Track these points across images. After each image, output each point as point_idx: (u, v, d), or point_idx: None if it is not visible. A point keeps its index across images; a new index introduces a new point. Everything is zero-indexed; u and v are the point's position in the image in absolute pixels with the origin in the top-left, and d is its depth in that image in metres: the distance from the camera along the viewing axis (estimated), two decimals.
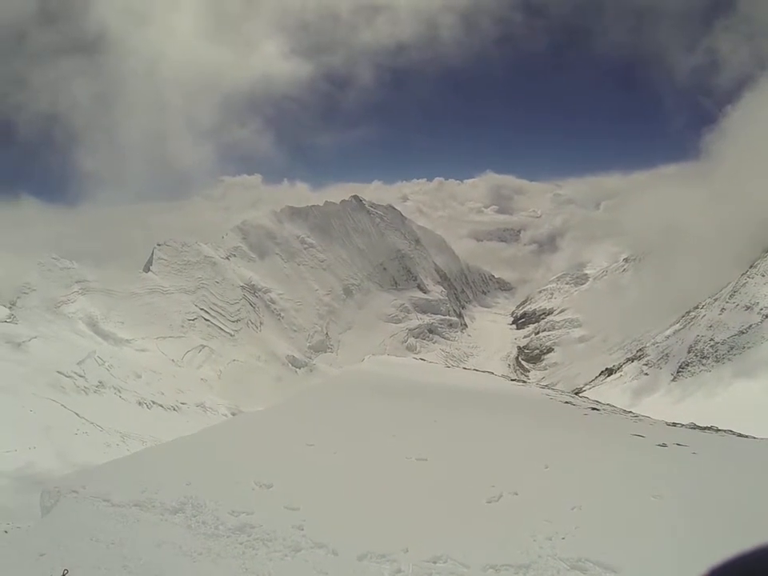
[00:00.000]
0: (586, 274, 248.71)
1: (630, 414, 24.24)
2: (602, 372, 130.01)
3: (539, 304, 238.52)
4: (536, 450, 12.60)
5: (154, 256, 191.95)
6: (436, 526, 8.05)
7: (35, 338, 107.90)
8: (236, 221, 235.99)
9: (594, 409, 24.26)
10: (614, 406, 28.15)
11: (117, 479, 9.78)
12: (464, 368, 52.15)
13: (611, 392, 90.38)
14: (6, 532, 32.88)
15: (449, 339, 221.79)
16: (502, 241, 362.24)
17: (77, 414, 75.30)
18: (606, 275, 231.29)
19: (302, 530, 7.67)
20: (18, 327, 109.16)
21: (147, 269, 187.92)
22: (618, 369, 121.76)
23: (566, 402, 26.14)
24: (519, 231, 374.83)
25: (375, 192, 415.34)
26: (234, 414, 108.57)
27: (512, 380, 41.74)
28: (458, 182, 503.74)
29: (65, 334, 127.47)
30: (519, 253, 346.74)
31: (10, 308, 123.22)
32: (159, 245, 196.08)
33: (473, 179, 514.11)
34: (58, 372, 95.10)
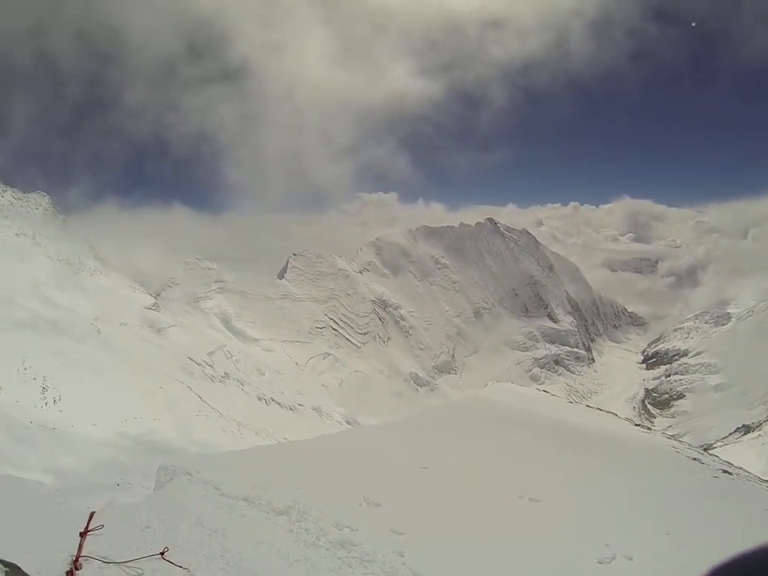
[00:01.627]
0: (729, 313, 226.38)
1: (767, 485, 22.19)
2: (738, 429, 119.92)
3: (673, 343, 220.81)
4: (657, 510, 11.66)
5: (289, 264, 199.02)
6: None
7: (174, 326, 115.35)
8: (371, 237, 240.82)
9: (725, 471, 22.05)
10: (748, 472, 25.48)
11: (230, 470, 9.93)
12: (587, 405, 50.40)
13: (746, 453, 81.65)
14: (117, 485, 34.85)
15: (574, 373, 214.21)
16: (638, 272, 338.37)
17: (200, 398, 79.35)
18: (751, 315, 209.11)
19: (403, 556, 7.38)
20: (161, 315, 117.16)
21: (282, 276, 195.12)
22: (758, 427, 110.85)
23: (694, 459, 24.18)
24: (656, 262, 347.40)
25: (510, 215, 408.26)
26: (348, 423, 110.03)
27: (636, 425, 39.77)
28: (593, 207, 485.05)
29: (200, 327, 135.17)
30: (655, 285, 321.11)
31: (155, 298, 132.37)
32: (295, 254, 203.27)
33: (609, 204, 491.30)
34: (190, 359, 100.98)
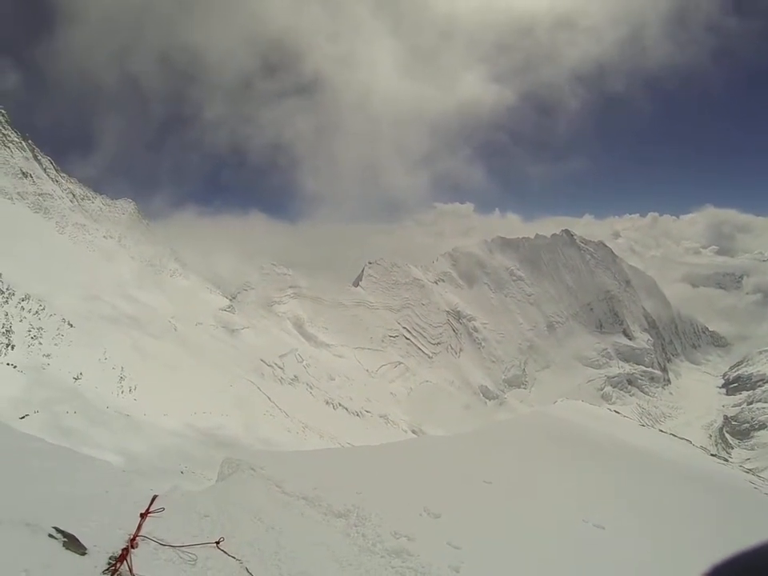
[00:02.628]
0: None
1: None
2: None
3: (758, 368, 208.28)
4: (729, 550, 10.92)
5: (364, 272, 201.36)
6: None
7: (248, 328, 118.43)
8: (447, 247, 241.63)
9: None
10: None
11: (293, 469, 10.10)
12: (660, 430, 48.83)
13: None
14: (181, 472, 35.09)
15: (648, 394, 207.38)
16: (721, 287, 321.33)
17: (269, 398, 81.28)
18: None
19: (458, 572, 7.25)
20: (235, 317, 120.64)
21: (357, 283, 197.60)
22: None
23: None
24: (741, 277, 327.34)
25: (586, 227, 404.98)
26: (414, 432, 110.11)
27: (711, 455, 38.23)
28: (673, 217, 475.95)
29: (273, 330, 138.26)
30: (740, 303, 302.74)
31: (230, 300, 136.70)
32: (370, 263, 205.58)
33: (690, 215, 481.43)
34: (261, 360, 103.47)
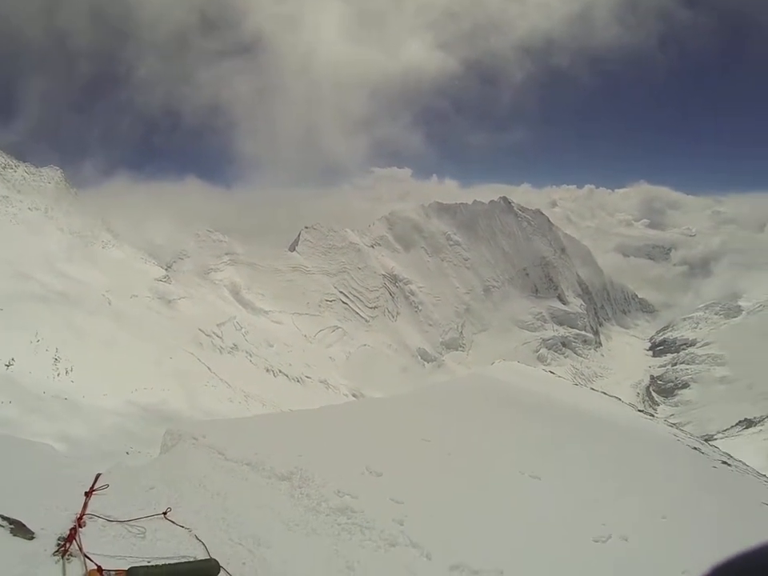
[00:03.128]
0: (740, 306, 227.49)
1: (764, 479, 21.94)
2: (740, 422, 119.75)
3: (681, 333, 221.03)
4: (654, 496, 11.73)
5: (300, 237, 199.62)
6: (536, 553, 7.67)
7: (184, 297, 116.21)
8: (384, 211, 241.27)
9: (724, 463, 22.20)
10: (746, 465, 25.57)
11: (235, 436, 10.13)
12: (592, 389, 50.44)
13: (745, 448, 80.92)
14: (127, 453, 34.96)
15: (581, 356, 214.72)
16: (651, 258, 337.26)
17: (209, 369, 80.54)
18: (762, 310, 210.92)
19: (402, 525, 7.52)
20: (171, 287, 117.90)
21: (293, 248, 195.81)
22: (759, 422, 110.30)
23: (694, 448, 24.18)
24: (670, 249, 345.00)
25: (524, 195, 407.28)
26: (354, 396, 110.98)
27: (639, 411, 39.77)
28: (609, 190, 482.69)
29: (210, 298, 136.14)
30: (667, 273, 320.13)
31: (166, 270, 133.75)
32: (307, 227, 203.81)
33: (625, 189, 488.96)
34: (200, 330, 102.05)
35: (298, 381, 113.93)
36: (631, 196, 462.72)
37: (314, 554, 6.59)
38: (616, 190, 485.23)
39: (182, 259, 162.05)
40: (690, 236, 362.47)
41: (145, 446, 43.37)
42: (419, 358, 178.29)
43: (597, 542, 8.36)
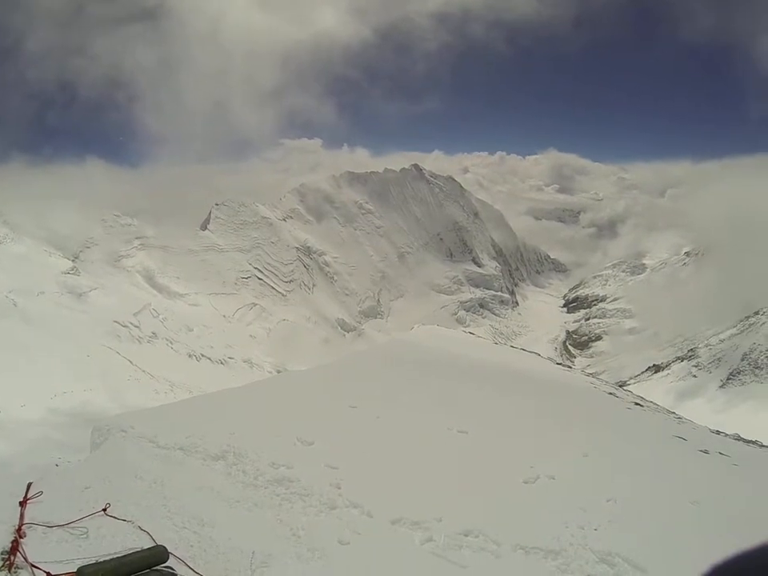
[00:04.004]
0: (644, 264, 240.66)
1: (674, 416, 23.50)
2: (649, 368, 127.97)
3: (592, 290, 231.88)
4: (576, 437, 12.52)
5: (211, 215, 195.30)
6: (471, 499, 8.06)
7: (96, 289, 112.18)
8: (294, 183, 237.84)
9: (637, 404, 23.62)
10: (657, 405, 27.47)
11: (164, 423, 10.07)
12: (512, 346, 51.79)
13: (655, 390, 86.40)
14: (56, 465, 33.99)
15: (499, 316, 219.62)
16: (561, 221, 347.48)
17: (130, 362, 78.59)
18: (664, 267, 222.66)
19: (339, 488, 7.77)
20: (81, 279, 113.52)
21: (204, 227, 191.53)
22: (666, 367, 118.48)
23: (610, 393, 25.65)
24: (579, 213, 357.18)
25: (435, 162, 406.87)
26: (279, 371, 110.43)
27: (558, 364, 41.20)
28: (519, 157, 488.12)
29: (123, 287, 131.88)
30: (577, 235, 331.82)
31: (73, 261, 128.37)
32: (217, 204, 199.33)
33: (535, 156, 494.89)
34: (115, 321, 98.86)
35: (222, 363, 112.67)
36: (541, 162, 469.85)
37: (259, 526, 6.71)
38: (527, 157, 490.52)
39: (89, 248, 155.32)
40: (598, 200, 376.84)
41: (75, 454, 41.55)
42: (339, 328, 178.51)
43: (527, 483, 8.83)
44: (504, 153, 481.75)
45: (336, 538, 6.58)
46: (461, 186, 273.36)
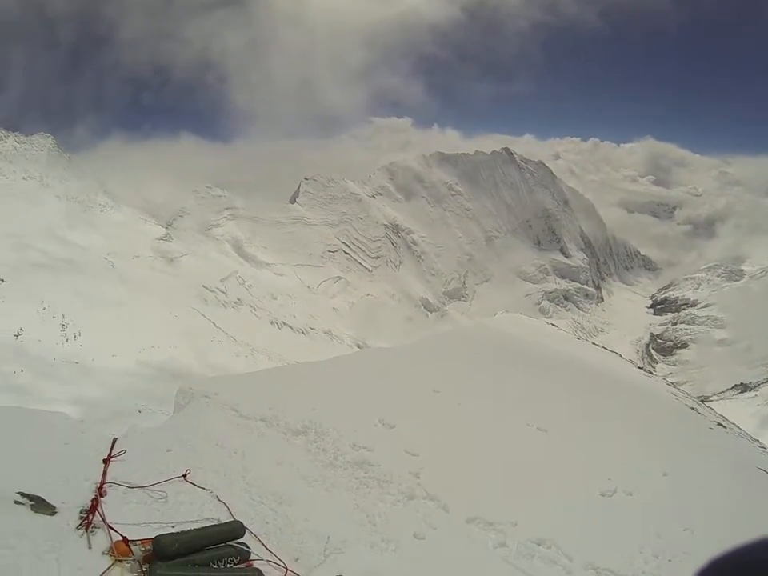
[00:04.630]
0: (743, 270, 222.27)
1: (758, 444, 22.30)
2: (736, 386, 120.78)
3: (683, 292, 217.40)
4: (656, 453, 12.04)
5: (300, 189, 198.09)
6: (547, 505, 7.91)
7: (186, 255, 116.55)
8: (384, 161, 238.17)
9: (720, 425, 22.51)
10: (740, 428, 26.04)
11: (247, 392, 10.18)
12: (593, 343, 50.71)
13: (740, 411, 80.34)
14: (139, 411, 35.43)
15: (582, 310, 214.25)
16: (655, 216, 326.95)
17: (214, 324, 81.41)
18: (765, 276, 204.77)
19: (419, 477, 7.68)
20: (173, 245, 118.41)
21: (293, 200, 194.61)
22: (755, 387, 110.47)
23: (692, 408, 24.54)
24: (675, 208, 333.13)
25: (526, 146, 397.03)
26: (358, 346, 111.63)
27: (639, 368, 39.93)
28: (614, 144, 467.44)
29: (212, 254, 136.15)
30: (671, 232, 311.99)
31: (166, 228, 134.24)
32: (306, 179, 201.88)
33: (630, 144, 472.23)
34: (203, 286, 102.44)
35: (303, 332, 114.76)
36: (637, 151, 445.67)
37: (335, 509, 6.70)
38: (621, 145, 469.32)
39: (182, 217, 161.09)
40: (696, 195, 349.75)
41: (156, 404, 44.18)
42: (422, 307, 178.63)
43: (603, 495, 8.61)
44: (597, 139, 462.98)
45: (412, 530, 6.52)
46: (551, 173, 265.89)
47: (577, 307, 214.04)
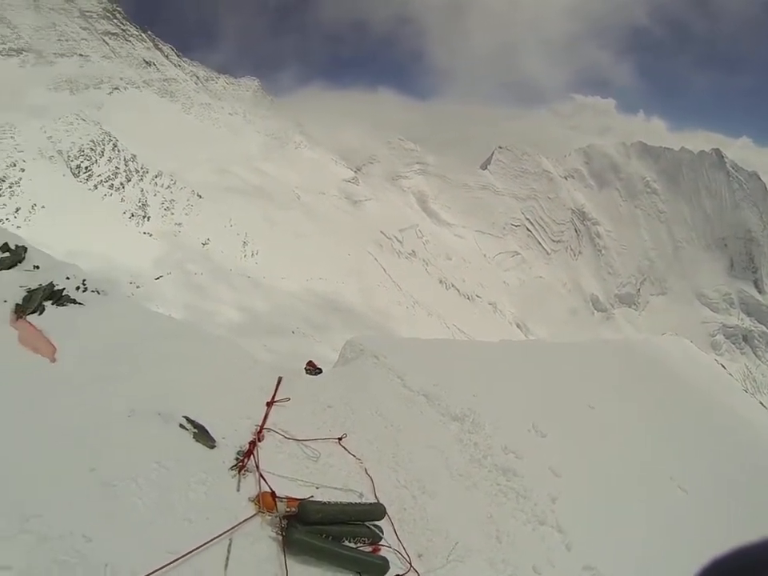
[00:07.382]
0: None
1: None
2: None
3: None
4: None
5: (493, 156, 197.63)
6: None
7: (371, 199, 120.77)
8: (582, 143, 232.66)
9: None
10: None
11: (414, 361, 10.23)
12: (760, 402, 46.59)
13: None
14: (293, 332, 37.53)
15: (760, 359, 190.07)
16: None
17: (384, 270, 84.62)
18: None
19: (554, 503, 7.40)
20: (359, 188, 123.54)
21: (484, 167, 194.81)
22: None
23: None
24: None
25: (741, 151, 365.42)
26: (518, 326, 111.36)
27: None
28: None
29: (396, 203, 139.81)
30: None
31: (355, 172, 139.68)
32: (500, 148, 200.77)
33: None
34: (382, 232, 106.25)
35: (468, 298, 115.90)
36: None
37: (471, 513, 6.63)
38: None
39: (371, 163, 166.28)
40: None
41: (311, 329, 46.71)
42: (590, 304, 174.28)
43: None
44: None
45: (532, 561, 6.26)
46: (765, 188, 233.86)
47: (755, 353, 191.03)
